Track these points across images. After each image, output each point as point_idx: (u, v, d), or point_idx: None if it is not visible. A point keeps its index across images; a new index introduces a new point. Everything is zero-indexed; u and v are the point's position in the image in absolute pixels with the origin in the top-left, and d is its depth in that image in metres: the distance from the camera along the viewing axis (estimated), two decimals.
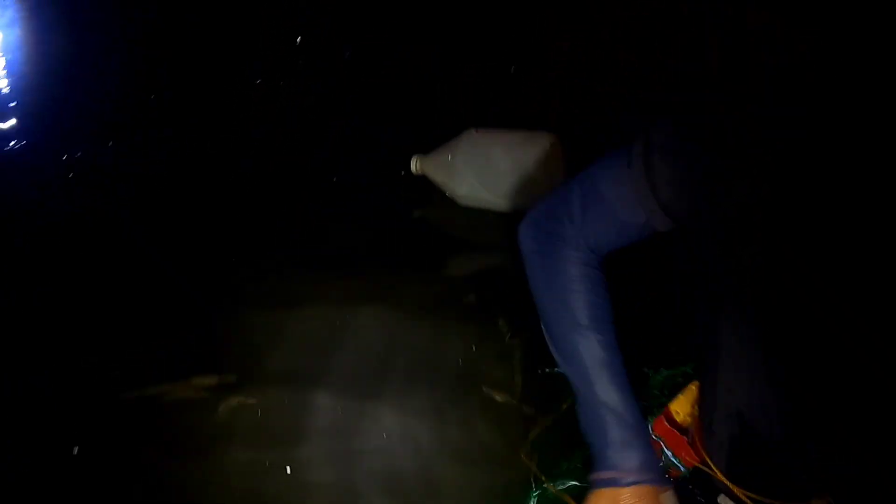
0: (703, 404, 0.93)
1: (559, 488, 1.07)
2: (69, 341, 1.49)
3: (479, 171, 1.61)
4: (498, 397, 1.29)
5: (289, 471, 1.19)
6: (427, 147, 2.48)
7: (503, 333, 1.37)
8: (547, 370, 1.31)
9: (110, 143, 2.39)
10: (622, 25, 2.90)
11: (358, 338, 1.50)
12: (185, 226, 2.10)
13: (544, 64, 2.64)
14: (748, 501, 0.85)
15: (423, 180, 1.78)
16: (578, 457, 1.12)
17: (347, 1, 2.89)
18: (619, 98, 2.93)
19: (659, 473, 0.88)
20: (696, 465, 0.96)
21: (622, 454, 0.85)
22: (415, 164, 1.77)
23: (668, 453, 1.02)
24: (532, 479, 1.14)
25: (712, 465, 0.89)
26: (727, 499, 0.88)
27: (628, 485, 0.85)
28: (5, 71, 2.35)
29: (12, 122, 2.21)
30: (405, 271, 1.61)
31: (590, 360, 0.85)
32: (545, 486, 1.09)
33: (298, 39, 2.85)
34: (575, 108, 2.84)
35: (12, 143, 2.18)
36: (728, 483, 0.86)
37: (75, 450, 1.21)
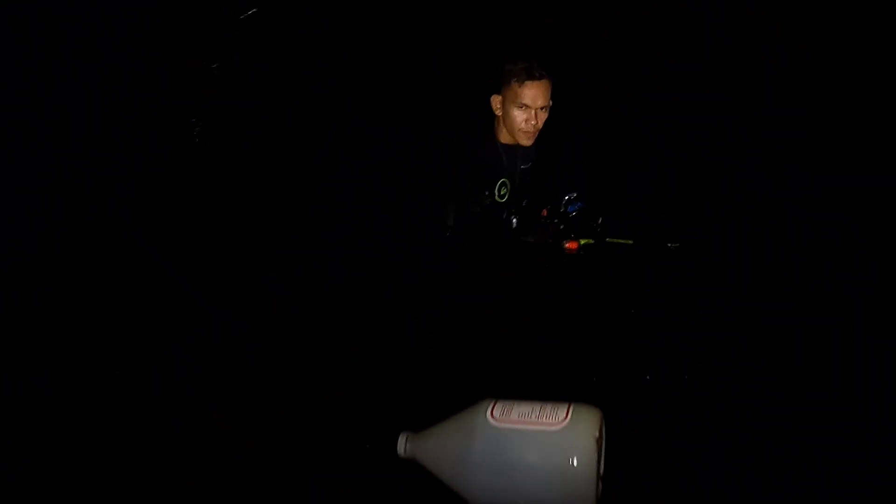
0: None
1: None
2: (69, 341, 1.49)
3: (502, 470, 1.16)
4: None
5: (289, 472, 1.19)
6: (421, 148, 2.48)
7: None
8: None
9: (110, 143, 2.39)
10: (622, 25, 2.91)
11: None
12: (185, 225, 2.10)
13: (545, 64, 2.64)
14: None
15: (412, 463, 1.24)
16: None
17: (347, 1, 2.89)
18: (621, 98, 2.94)
19: None
20: None
21: None
22: (403, 446, 1.23)
23: None
24: None
25: None
26: None
27: None
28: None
29: (12, 121, 2.21)
30: None
31: None
32: None
33: (298, 40, 2.85)
34: (576, 108, 2.84)
35: (12, 142, 2.18)
36: None
37: (75, 450, 1.21)
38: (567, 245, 2.04)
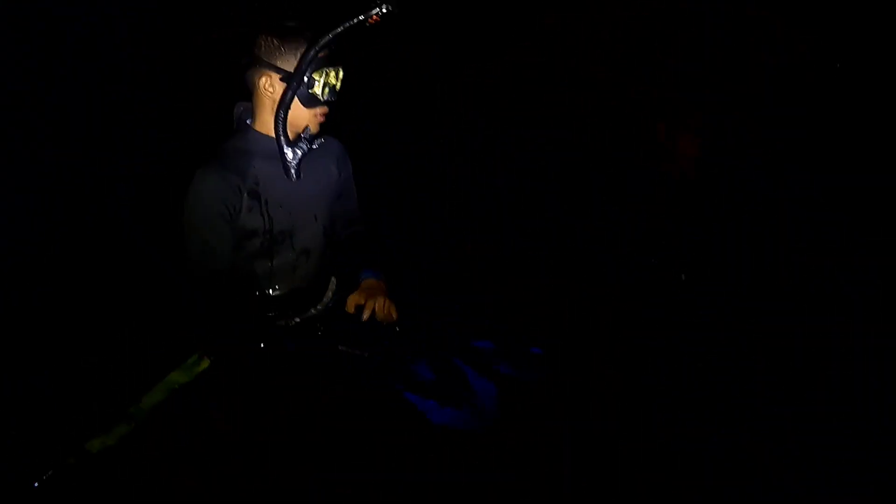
0: None
1: None
2: (69, 341, 1.48)
3: None
4: None
5: (289, 472, 1.19)
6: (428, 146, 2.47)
7: None
8: None
9: (110, 143, 2.39)
10: (622, 25, 2.90)
11: None
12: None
13: (545, 64, 2.64)
14: None
15: None
16: None
17: (347, 1, 2.89)
18: (620, 97, 2.94)
19: None
20: None
21: None
22: None
23: None
24: None
25: None
26: None
27: None
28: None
29: (12, 121, 2.21)
30: None
31: None
32: None
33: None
34: (577, 107, 2.84)
35: (12, 142, 2.18)
36: None
37: (75, 450, 1.21)
38: None
